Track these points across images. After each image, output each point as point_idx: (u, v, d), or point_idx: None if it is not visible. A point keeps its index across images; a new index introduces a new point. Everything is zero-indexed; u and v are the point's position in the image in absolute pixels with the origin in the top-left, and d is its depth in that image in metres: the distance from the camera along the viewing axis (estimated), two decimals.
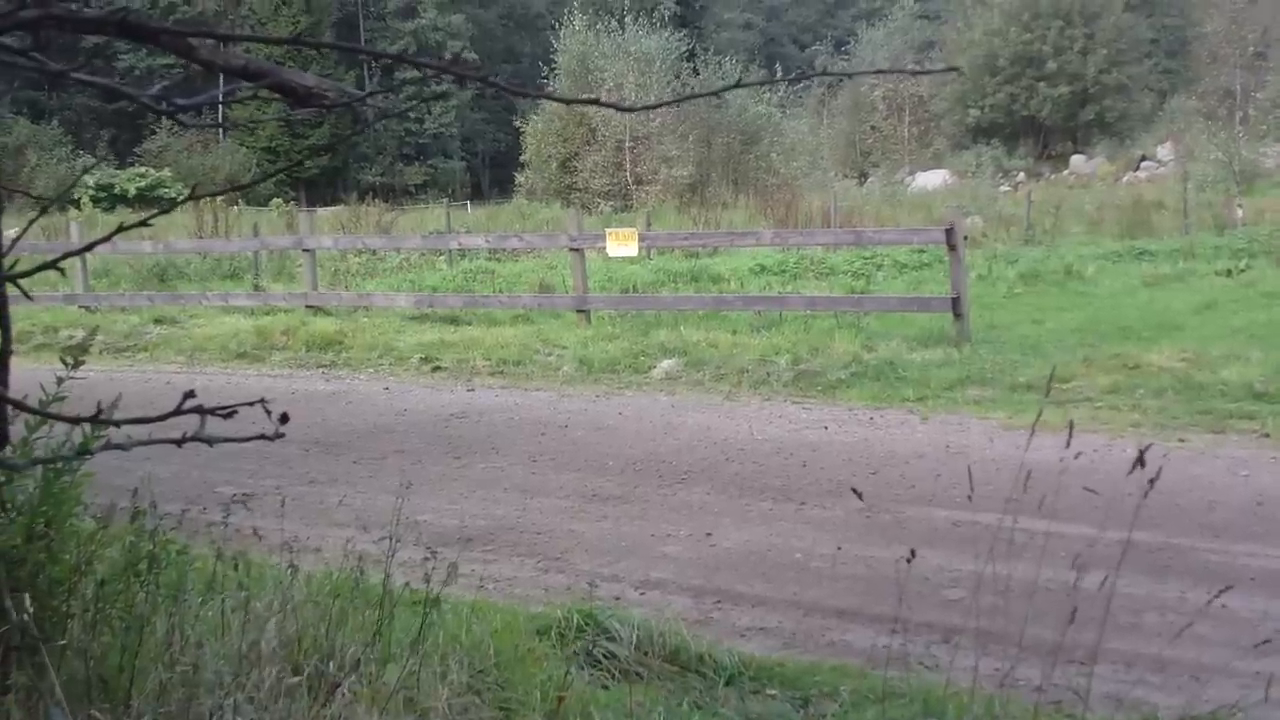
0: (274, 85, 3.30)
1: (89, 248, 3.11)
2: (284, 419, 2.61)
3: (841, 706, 6.12)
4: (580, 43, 60.78)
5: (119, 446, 2.76)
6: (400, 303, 23.35)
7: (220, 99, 3.46)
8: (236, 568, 5.54)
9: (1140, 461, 4.49)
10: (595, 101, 3.16)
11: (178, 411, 2.55)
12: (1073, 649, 5.31)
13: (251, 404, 2.57)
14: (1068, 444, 4.78)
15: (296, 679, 4.81)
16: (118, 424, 2.99)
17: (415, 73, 3.19)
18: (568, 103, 4.16)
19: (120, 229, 2.82)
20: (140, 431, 2.81)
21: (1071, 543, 6.13)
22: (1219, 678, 6.51)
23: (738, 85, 3.29)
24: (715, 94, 3.72)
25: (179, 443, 2.61)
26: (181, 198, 3.35)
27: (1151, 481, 4.49)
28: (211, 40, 3.31)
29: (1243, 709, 5.31)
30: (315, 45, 3.05)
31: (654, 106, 3.80)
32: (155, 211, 3.03)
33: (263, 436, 2.58)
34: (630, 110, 3.74)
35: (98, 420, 2.95)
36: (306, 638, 5.26)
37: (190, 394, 2.55)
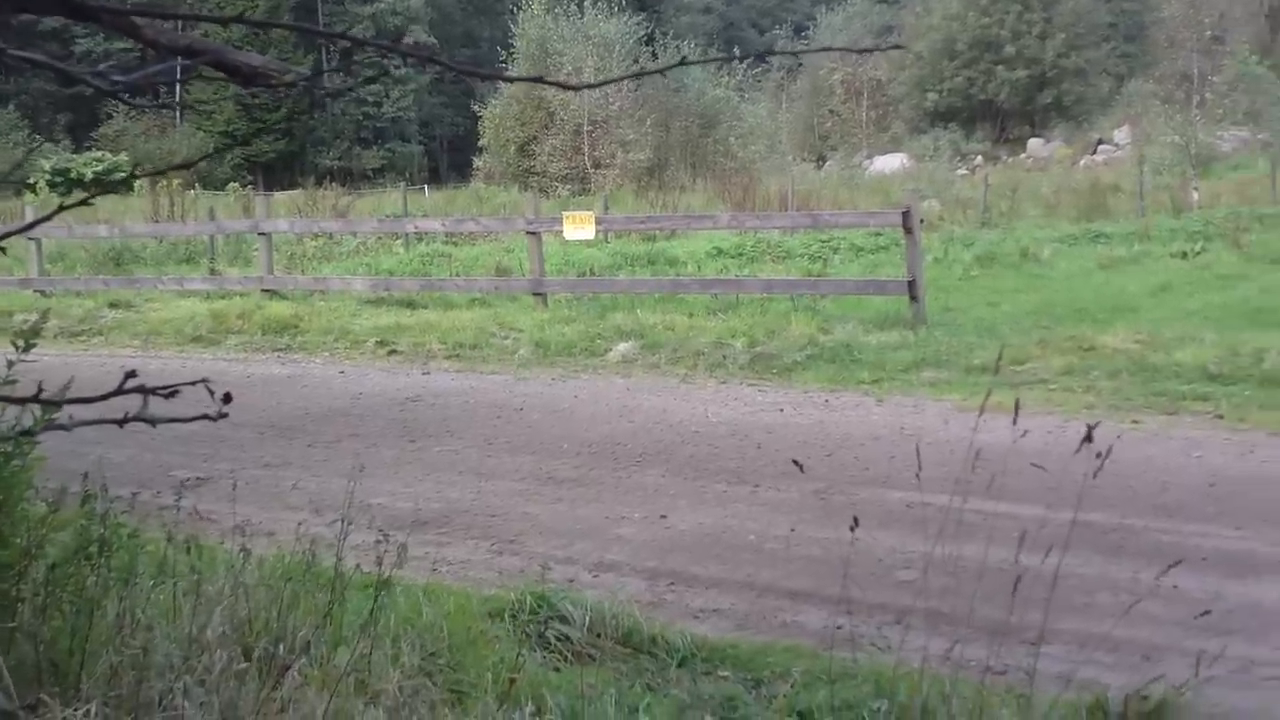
0: (217, 64, 3.29)
1: (30, 226, 3.11)
2: (227, 399, 2.61)
3: (794, 687, 6.14)
4: (539, 27, 60.59)
5: (61, 427, 2.75)
6: (356, 286, 23.30)
7: (165, 79, 3.45)
8: (188, 551, 5.54)
9: (1088, 439, 4.51)
10: (540, 80, 3.17)
11: (119, 391, 2.54)
12: (1024, 629, 5.34)
13: (193, 384, 2.57)
14: (1014, 423, 4.79)
15: (246, 662, 4.81)
16: (60, 404, 2.99)
17: (374, 56, 3.19)
18: (512, 80, 4.15)
19: (61, 208, 2.81)
20: (87, 413, 2.81)
21: (1024, 523, 6.15)
22: (1171, 656, 6.54)
23: (682, 63, 3.30)
24: (660, 72, 3.72)
25: (120, 423, 2.60)
26: (125, 177, 3.34)
27: (1098, 456, 4.52)
28: (157, 20, 3.30)
29: (1192, 687, 5.33)
30: (258, 24, 3.05)
31: (598, 85, 3.80)
32: (96, 192, 3.02)
33: (205, 417, 2.58)
34: (574, 89, 3.75)
35: (40, 401, 2.95)
36: (258, 620, 5.26)
37: (131, 374, 2.54)
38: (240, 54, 3.46)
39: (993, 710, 5.18)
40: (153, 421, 2.55)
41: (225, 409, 2.64)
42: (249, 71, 3.39)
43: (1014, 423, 4.79)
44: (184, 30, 3.47)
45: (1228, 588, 7.68)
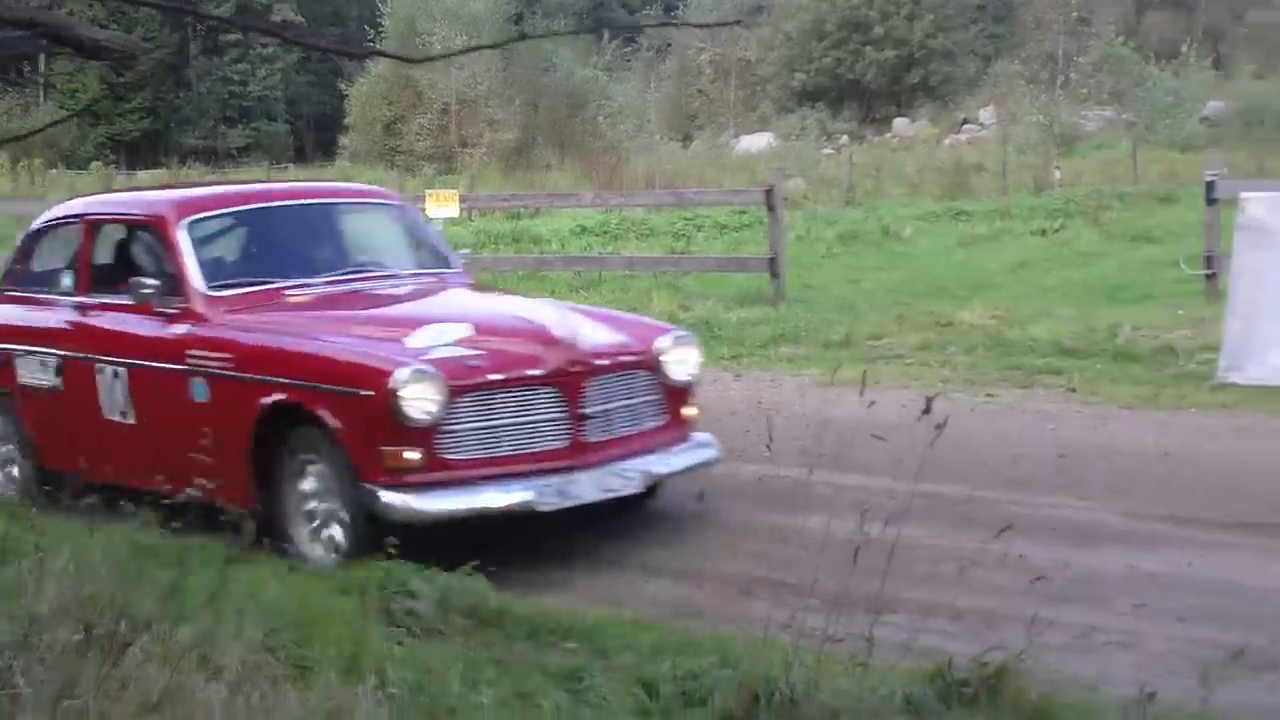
0: (57, 38, 3.27)
1: None
2: None
3: (639, 657, 6.18)
4: (408, 5, 60.20)
5: None
6: None
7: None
8: (32, 528, 5.50)
9: (927, 410, 4.60)
10: (380, 53, 3.18)
11: None
12: (869, 599, 5.42)
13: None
14: (861, 394, 4.87)
15: (86, 637, 4.79)
16: None
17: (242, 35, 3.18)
18: (353, 57, 4.11)
19: None
20: None
21: (873, 495, 6.26)
22: (1014, 624, 6.62)
23: (523, 39, 3.34)
24: (500, 46, 3.75)
25: None
26: None
27: (937, 427, 4.61)
28: None
29: (1030, 653, 5.44)
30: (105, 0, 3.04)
31: (439, 58, 3.83)
32: None
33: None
34: (414, 62, 3.75)
35: None
36: (101, 598, 5.24)
37: None
38: (85, 28, 3.44)
39: (832, 677, 5.26)
40: None
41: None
42: (93, 46, 3.37)
43: (861, 394, 4.88)
44: (40, 4, 3.45)
45: (1074, 557, 7.83)
